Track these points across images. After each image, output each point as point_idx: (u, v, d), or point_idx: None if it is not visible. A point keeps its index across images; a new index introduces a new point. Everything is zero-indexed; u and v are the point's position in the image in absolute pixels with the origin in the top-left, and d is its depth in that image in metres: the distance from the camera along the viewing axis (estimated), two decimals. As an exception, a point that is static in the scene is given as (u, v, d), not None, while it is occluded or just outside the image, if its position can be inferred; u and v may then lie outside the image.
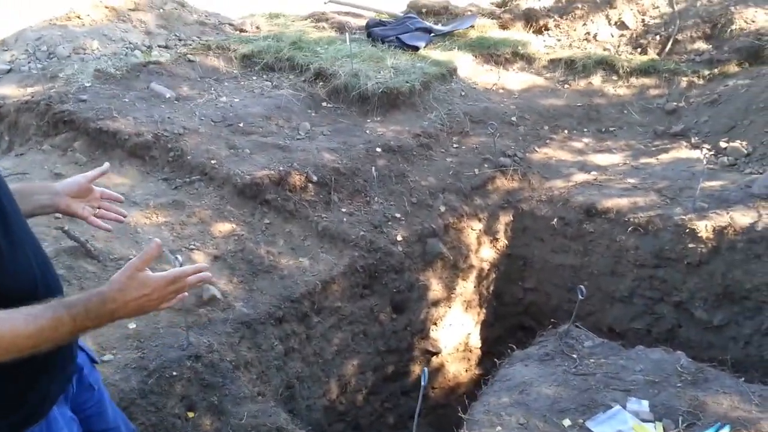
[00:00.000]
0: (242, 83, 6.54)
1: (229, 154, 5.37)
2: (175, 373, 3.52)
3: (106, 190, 2.34)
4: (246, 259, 4.59)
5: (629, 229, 4.84)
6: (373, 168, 4.92)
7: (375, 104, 6.17)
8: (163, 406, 3.44)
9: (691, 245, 4.61)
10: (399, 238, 5.04)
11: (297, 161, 5.27)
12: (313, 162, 5.29)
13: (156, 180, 5.23)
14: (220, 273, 4.43)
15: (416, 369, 5.28)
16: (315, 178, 5.17)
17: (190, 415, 3.51)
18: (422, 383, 2.83)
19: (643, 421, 3.18)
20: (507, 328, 5.79)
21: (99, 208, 2.27)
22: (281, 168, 5.16)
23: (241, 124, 5.78)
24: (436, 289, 5.23)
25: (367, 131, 5.94)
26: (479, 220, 5.47)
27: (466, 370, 5.65)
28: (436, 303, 5.24)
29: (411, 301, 5.09)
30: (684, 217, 4.68)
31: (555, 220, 5.28)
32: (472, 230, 5.43)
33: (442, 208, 5.35)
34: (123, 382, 3.40)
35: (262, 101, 6.18)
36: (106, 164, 2.35)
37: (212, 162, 5.23)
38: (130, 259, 4.44)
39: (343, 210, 5.15)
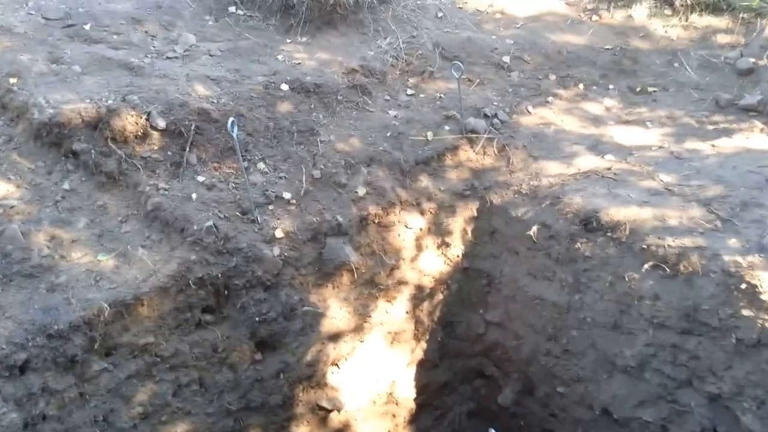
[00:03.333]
0: (126, -31, 4.54)
1: (46, 71, 3.56)
2: None
3: None
4: (1, 250, 2.74)
5: (648, 263, 2.89)
6: (231, 119, 2.94)
7: (302, 17, 4.18)
8: None
9: (747, 311, 2.61)
10: (279, 233, 3.18)
11: (144, 92, 3.38)
12: (169, 97, 3.43)
13: None
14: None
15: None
16: (162, 124, 3.33)
17: None
18: None
19: None
20: (459, 371, 4.15)
21: None
22: (110, 101, 3.24)
23: (88, 26, 3.95)
24: (336, 315, 3.39)
25: (280, 56, 3.99)
26: (422, 212, 3.57)
27: (390, 433, 3.83)
28: (336, 336, 3.41)
29: (289, 335, 3.26)
30: (740, 258, 2.72)
31: (536, 228, 3.32)
32: (408, 228, 3.54)
33: (362, 191, 3.45)
34: None
35: (140, -5, 4.22)
36: None
37: (11, 81, 3.42)
38: None
39: (200, 179, 3.30)
